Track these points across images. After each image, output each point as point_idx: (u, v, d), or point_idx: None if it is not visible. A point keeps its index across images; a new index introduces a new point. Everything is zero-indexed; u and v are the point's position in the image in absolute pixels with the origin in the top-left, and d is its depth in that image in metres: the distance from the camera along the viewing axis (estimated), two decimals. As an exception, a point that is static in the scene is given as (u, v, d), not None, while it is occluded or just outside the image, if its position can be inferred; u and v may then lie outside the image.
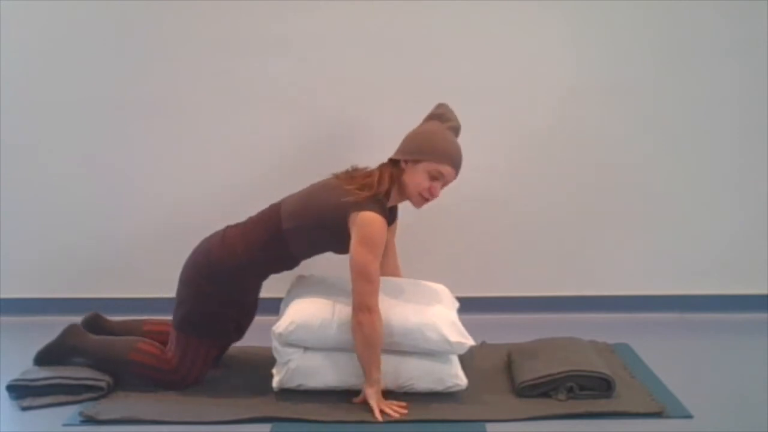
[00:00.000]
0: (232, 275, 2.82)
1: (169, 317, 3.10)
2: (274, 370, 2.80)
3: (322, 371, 2.78)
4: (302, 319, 2.74)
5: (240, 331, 2.99)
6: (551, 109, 3.65)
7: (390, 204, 2.79)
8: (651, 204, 3.73)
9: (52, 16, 3.56)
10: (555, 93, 3.63)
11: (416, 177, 2.73)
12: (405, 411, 2.68)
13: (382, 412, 2.65)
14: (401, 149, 2.78)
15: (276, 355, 2.79)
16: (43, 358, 2.95)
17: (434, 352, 2.77)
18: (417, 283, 3.03)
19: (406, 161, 2.75)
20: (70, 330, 2.97)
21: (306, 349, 2.78)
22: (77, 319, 3.13)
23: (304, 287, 2.96)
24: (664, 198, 3.73)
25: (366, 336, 2.65)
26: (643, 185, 3.71)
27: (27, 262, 3.75)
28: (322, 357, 2.78)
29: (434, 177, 2.73)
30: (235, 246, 2.82)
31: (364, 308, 2.64)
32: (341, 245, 2.73)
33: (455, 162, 2.75)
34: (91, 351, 2.94)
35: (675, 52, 3.61)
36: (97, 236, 3.73)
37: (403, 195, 2.80)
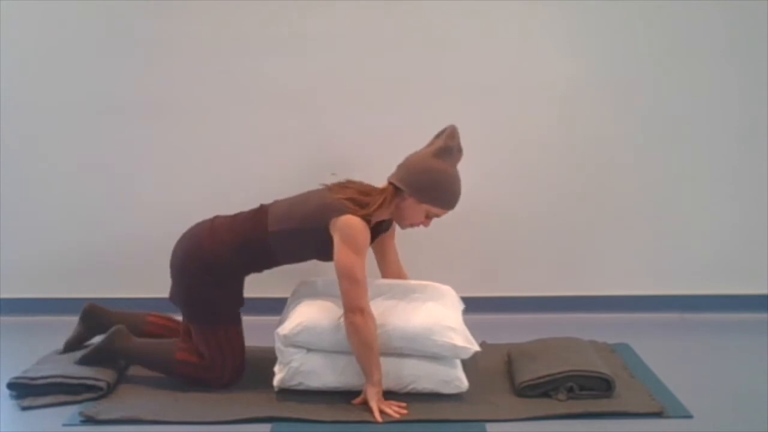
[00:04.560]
0: (220, 260, 2.84)
1: (171, 315, 3.13)
2: (275, 368, 2.79)
3: (325, 371, 2.78)
4: (308, 322, 2.75)
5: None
6: (551, 109, 3.65)
7: (376, 220, 2.81)
8: (651, 204, 3.73)
9: (52, 16, 3.56)
10: (555, 92, 3.63)
11: (415, 213, 2.80)
12: (405, 411, 2.68)
13: (382, 412, 2.65)
14: (407, 183, 2.76)
15: (279, 355, 2.78)
16: (89, 361, 2.93)
17: (439, 356, 2.77)
18: (423, 285, 3.02)
19: (409, 195, 2.77)
20: (116, 333, 2.96)
21: (309, 350, 2.78)
22: (77, 319, 3.15)
23: (310, 291, 2.96)
24: (663, 198, 3.73)
25: (361, 338, 2.65)
26: (643, 185, 3.71)
27: (27, 262, 3.75)
28: (324, 357, 2.78)
29: (431, 216, 2.82)
30: (222, 235, 2.85)
31: (355, 310, 2.65)
32: (325, 252, 2.75)
33: (454, 206, 2.82)
34: (137, 354, 2.96)
35: (675, 52, 3.61)
36: (97, 236, 3.73)
37: (395, 216, 2.86)
